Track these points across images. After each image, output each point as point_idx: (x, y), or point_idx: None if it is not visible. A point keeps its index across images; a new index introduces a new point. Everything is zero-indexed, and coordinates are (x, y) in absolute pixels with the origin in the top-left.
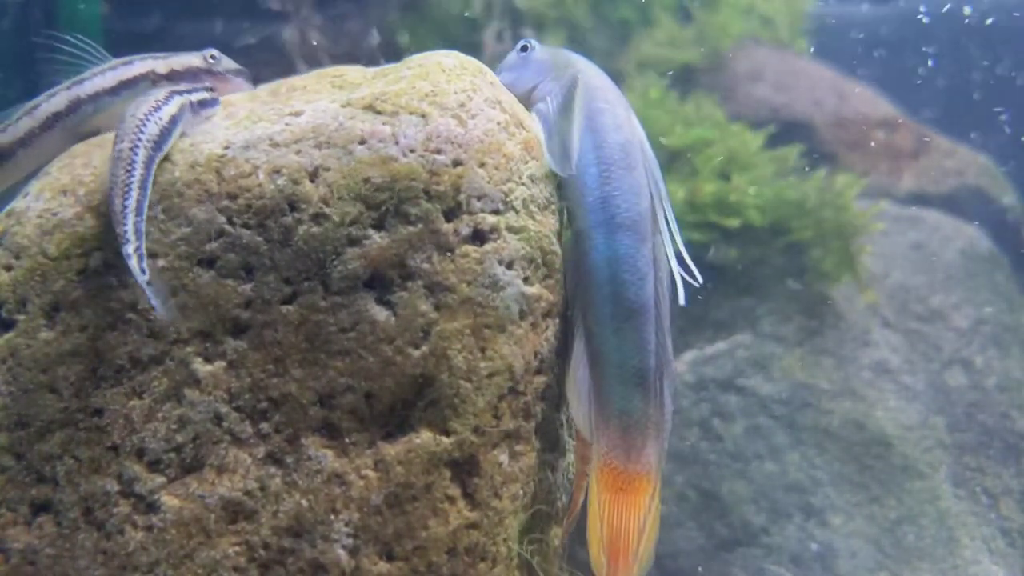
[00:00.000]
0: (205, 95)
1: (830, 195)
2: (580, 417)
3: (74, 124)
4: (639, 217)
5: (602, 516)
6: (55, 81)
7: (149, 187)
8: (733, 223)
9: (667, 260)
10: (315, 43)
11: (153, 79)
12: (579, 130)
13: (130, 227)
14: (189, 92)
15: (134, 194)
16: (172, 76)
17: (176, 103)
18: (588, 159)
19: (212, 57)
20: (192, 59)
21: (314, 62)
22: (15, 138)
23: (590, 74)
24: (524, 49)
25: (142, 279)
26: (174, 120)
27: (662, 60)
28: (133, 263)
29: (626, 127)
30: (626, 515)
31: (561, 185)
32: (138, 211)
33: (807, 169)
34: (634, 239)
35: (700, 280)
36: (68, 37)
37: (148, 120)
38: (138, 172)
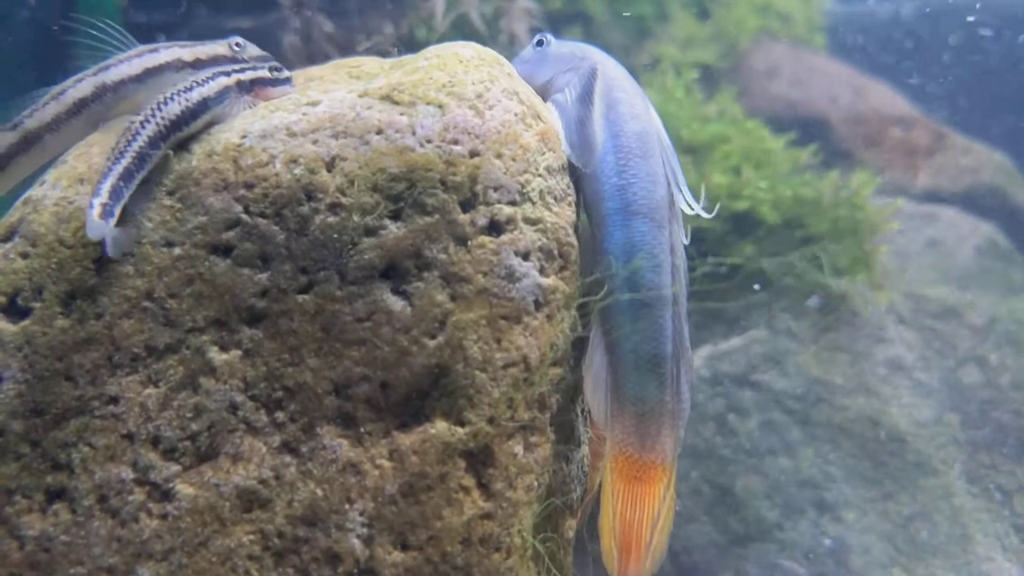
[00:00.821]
0: (264, 74)
1: (845, 193)
2: (595, 405)
3: (100, 110)
4: (656, 205)
5: (615, 507)
6: (82, 67)
7: (149, 161)
8: (742, 205)
9: (683, 248)
10: (327, 33)
11: (178, 67)
12: (600, 120)
13: (106, 185)
14: (241, 71)
15: (124, 161)
16: (197, 64)
17: (215, 86)
18: (606, 148)
19: (237, 45)
20: (218, 47)
21: (321, 57)
22: (42, 123)
23: (607, 65)
24: (540, 43)
25: (95, 221)
26: (205, 102)
27: (679, 56)
28: (93, 213)
29: (643, 116)
30: (640, 506)
31: (578, 174)
32: (124, 177)
33: (822, 166)
34: (651, 226)
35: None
36: (98, 23)
37: (172, 99)
38: (137, 144)
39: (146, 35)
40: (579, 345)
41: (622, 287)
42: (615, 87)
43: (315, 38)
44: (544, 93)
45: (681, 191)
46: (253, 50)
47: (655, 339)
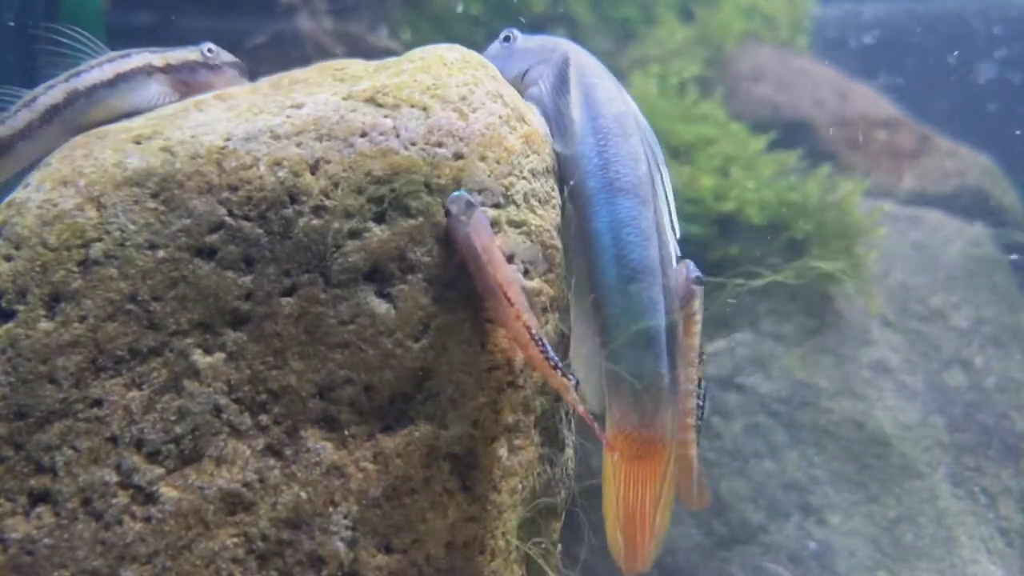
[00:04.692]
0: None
1: (833, 197)
2: (589, 389)
3: (72, 117)
4: (638, 181)
5: (618, 490)
6: (53, 73)
7: None
8: (728, 207)
9: (671, 225)
10: (326, 35)
11: (149, 72)
12: (578, 105)
13: None
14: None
15: None
16: (168, 69)
17: None
18: (585, 130)
19: (209, 51)
20: (189, 53)
21: (327, 55)
22: (14, 131)
23: (578, 54)
24: (507, 39)
25: None
26: None
27: (664, 59)
28: None
29: (618, 99)
30: (642, 485)
31: (561, 159)
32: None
33: (807, 170)
34: (635, 202)
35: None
36: (66, 30)
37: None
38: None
39: (130, 39)
40: (563, 345)
41: (610, 263)
42: (588, 73)
43: (324, 35)
44: (516, 87)
45: (661, 171)
46: (225, 56)
47: (647, 314)
